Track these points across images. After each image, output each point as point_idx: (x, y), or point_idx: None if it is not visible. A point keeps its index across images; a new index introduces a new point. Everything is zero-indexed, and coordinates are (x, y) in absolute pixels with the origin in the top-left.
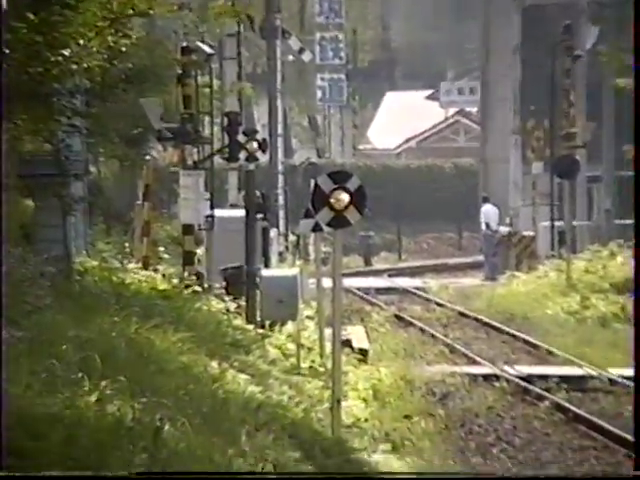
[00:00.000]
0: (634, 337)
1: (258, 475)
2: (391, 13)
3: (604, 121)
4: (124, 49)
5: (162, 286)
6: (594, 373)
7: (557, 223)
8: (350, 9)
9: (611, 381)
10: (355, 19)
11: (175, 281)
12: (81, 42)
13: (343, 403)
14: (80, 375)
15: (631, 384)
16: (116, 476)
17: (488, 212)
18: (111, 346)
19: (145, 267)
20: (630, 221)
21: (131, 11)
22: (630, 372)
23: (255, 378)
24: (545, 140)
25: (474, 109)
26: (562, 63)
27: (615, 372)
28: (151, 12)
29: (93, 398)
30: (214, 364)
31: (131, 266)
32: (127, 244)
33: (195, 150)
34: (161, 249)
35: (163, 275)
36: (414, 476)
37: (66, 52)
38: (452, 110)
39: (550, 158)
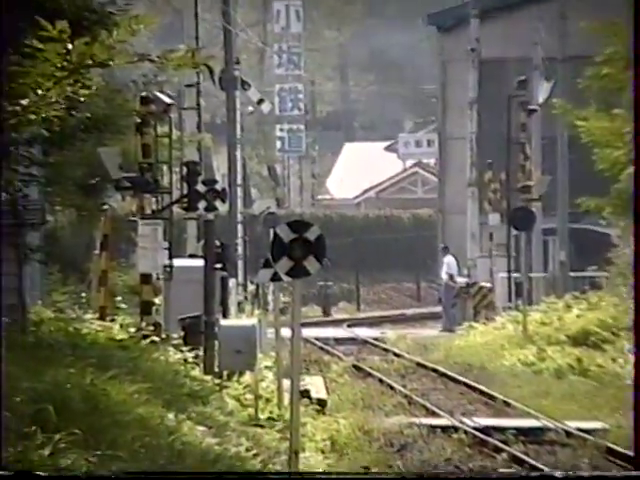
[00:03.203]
0: (634, 335)
1: (257, 475)
2: (349, 65)
3: (558, 174)
4: (83, 99)
5: (119, 336)
6: (551, 425)
7: (514, 274)
8: (309, 61)
9: (567, 433)
10: (314, 70)
11: (132, 331)
12: (39, 92)
13: (301, 455)
14: (33, 428)
15: (587, 436)
16: (116, 476)
17: (451, 263)
18: (66, 398)
19: (102, 317)
20: (584, 273)
21: (90, 61)
22: (585, 425)
23: (212, 430)
24: (502, 192)
25: (432, 161)
26: (517, 117)
27: (571, 424)
28: (111, 63)
29: (47, 452)
30: (171, 416)
31: (88, 316)
32: (84, 294)
33: (154, 199)
34: (118, 299)
35: (120, 325)
36: (415, 476)
37: (24, 102)
38: (410, 162)
39: (506, 210)
